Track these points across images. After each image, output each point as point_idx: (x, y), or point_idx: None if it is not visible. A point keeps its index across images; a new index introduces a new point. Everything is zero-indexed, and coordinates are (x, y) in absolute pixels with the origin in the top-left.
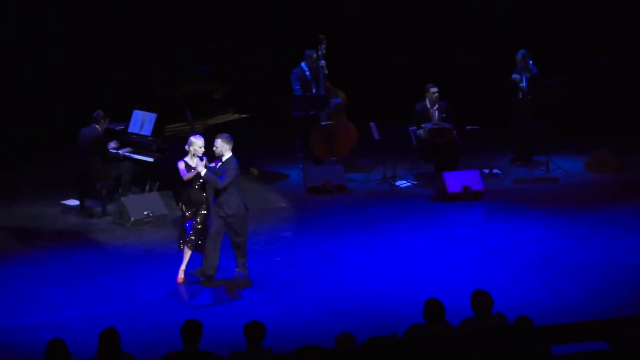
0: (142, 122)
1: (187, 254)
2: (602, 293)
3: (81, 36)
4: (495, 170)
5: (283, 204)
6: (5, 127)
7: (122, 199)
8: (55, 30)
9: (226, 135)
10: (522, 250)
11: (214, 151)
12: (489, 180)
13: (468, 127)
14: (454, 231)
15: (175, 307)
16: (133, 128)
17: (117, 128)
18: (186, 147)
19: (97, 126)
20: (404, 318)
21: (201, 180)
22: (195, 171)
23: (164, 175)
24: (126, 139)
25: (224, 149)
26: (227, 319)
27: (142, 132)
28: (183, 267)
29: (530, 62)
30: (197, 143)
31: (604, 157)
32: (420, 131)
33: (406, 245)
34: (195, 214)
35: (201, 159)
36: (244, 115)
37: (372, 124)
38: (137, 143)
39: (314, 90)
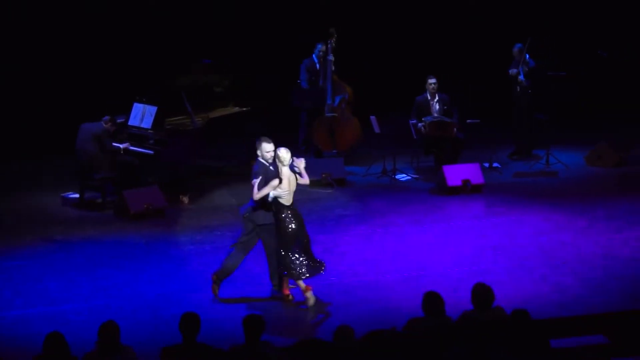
0: (142, 115)
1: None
2: (601, 287)
3: (82, 27)
4: (495, 164)
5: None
6: (5, 119)
7: (123, 191)
8: (55, 20)
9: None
10: (522, 244)
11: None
12: (489, 174)
13: (468, 120)
14: (454, 224)
15: (174, 300)
16: (133, 121)
17: (118, 121)
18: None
19: (104, 125)
20: (403, 311)
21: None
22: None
23: (165, 168)
24: (126, 132)
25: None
26: (226, 312)
27: (143, 125)
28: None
29: (527, 55)
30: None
31: (604, 151)
32: (421, 125)
33: (406, 238)
34: None
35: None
36: (244, 109)
37: (372, 117)
38: (138, 136)
39: (320, 82)
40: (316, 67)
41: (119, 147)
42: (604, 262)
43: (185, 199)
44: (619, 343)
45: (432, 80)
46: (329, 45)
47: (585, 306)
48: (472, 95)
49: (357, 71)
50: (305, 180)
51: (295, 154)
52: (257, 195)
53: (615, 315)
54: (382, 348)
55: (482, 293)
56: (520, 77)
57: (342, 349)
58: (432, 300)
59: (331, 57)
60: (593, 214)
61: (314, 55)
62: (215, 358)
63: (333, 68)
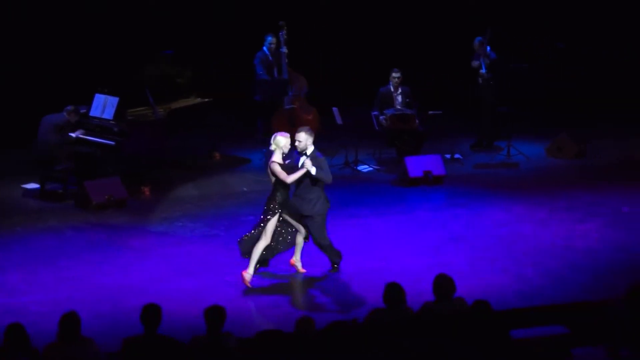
0: (104, 105)
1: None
2: (561, 278)
3: (41, 19)
4: (456, 155)
5: (244, 188)
6: None
7: (84, 182)
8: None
9: (307, 128)
10: (483, 235)
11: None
12: (451, 165)
13: (430, 112)
14: (416, 216)
15: (135, 291)
16: (95, 112)
17: (81, 111)
18: (271, 148)
19: (66, 116)
20: (365, 302)
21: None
22: (304, 170)
23: (126, 159)
24: (88, 123)
25: (308, 142)
26: (187, 303)
27: (104, 116)
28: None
29: (488, 48)
30: (285, 141)
31: (564, 143)
32: (383, 117)
33: (368, 229)
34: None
35: (304, 155)
36: (206, 100)
37: (334, 108)
38: (99, 127)
39: (275, 75)
40: (269, 59)
41: (71, 136)
42: (564, 253)
43: (147, 190)
44: (579, 333)
45: (396, 74)
46: (280, 38)
47: (545, 297)
48: (434, 86)
49: (322, 63)
50: (282, 177)
51: (256, 144)
52: (289, 179)
53: (575, 305)
54: (344, 339)
55: (443, 284)
56: (482, 70)
57: (304, 339)
58: (394, 291)
59: (284, 50)
60: (553, 205)
61: (264, 48)
62: (176, 349)
63: (287, 60)
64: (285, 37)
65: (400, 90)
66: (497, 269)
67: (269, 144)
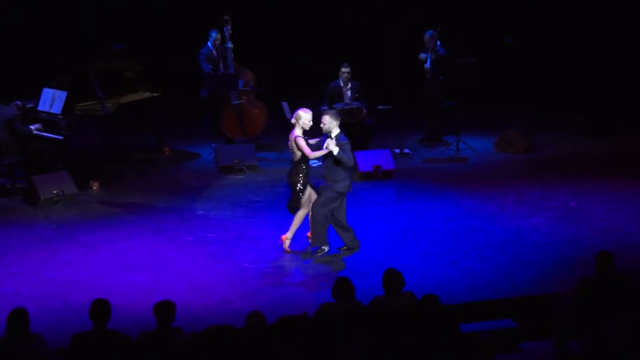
0: (52, 100)
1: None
2: (509, 272)
3: None
4: (406, 150)
5: (194, 183)
6: None
7: (32, 177)
8: None
9: (333, 111)
10: (432, 229)
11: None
12: (400, 160)
13: (379, 106)
14: (365, 210)
15: (84, 286)
16: (43, 106)
17: (28, 106)
18: (292, 121)
19: (16, 110)
20: (315, 297)
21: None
22: (326, 150)
23: (75, 153)
24: (36, 117)
25: (332, 125)
26: (137, 298)
27: (52, 111)
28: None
29: (438, 42)
30: (305, 117)
31: (513, 137)
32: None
33: None
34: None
35: (327, 136)
36: (155, 94)
37: (284, 103)
38: (47, 121)
39: (222, 70)
40: (214, 54)
41: (30, 128)
42: (513, 247)
43: (96, 185)
44: (527, 327)
45: (346, 69)
46: (225, 33)
47: (494, 291)
48: (383, 81)
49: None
50: (306, 152)
51: (205, 139)
52: (312, 154)
53: (523, 299)
54: (294, 333)
55: (392, 278)
56: (427, 65)
57: (254, 334)
58: (343, 285)
59: (230, 45)
60: (502, 200)
61: (209, 43)
62: (125, 345)
63: (233, 55)
64: (230, 32)
65: (349, 85)
66: (446, 263)
67: (217, 139)
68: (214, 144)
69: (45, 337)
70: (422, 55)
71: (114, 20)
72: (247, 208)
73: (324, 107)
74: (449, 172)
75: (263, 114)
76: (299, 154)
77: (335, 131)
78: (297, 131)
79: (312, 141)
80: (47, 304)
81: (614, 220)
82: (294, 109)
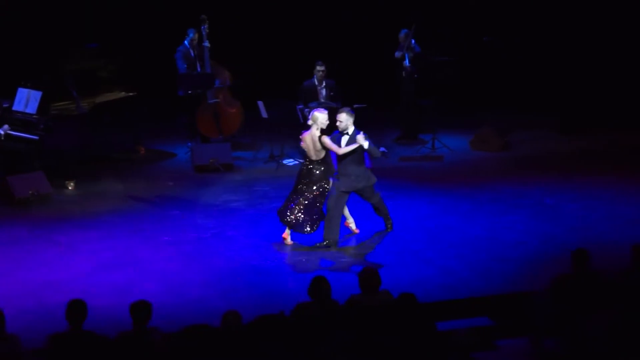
0: (27, 100)
1: None
2: (485, 270)
3: None
4: (381, 149)
5: (170, 183)
6: None
7: (7, 177)
8: None
9: (348, 108)
10: (408, 227)
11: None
12: (376, 159)
13: (355, 105)
14: None
15: (60, 287)
16: (18, 106)
17: (4, 105)
18: (309, 123)
19: None
20: (291, 296)
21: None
22: (356, 145)
23: (50, 153)
24: (10, 117)
25: (349, 122)
26: (113, 298)
27: (27, 110)
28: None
29: (413, 41)
30: (322, 117)
31: (488, 135)
32: (307, 110)
33: None
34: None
35: (359, 132)
36: (130, 94)
37: (259, 102)
38: (22, 121)
39: (198, 69)
40: (190, 53)
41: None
42: (489, 244)
43: (71, 185)
44: (502, 325)
45: (320, 67)
46: (202, 32)
47: (470, 289)
48: (358, 79)
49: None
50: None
51: (181, 139)
52: (341, 151)
53: (499, 297)
54: (270, 333)
55: (369, 277)
56: (405, 62)
57: (230, 334)
58: (319, 284)
59: (207, 44)
60: (478, 198)
61: (186, 42)
62: (102, 345)
63: (209, 54)
64: (207, 31)
65: (324, 84)
66: (422, 261)
67: (193, 138)
68: (190, 143)
69: (21, 337)
70: (398, 54)
71: (89, 19)
72: (223, 207)
73: (300, 106)
74: (425, 170)
75: (239, 113)
76: (322, 153)
77: (352, 128)
78: (313, 131)
79: (329, 136)
80: (23, 304)
81: (588, 217)
82: (269, 108)
